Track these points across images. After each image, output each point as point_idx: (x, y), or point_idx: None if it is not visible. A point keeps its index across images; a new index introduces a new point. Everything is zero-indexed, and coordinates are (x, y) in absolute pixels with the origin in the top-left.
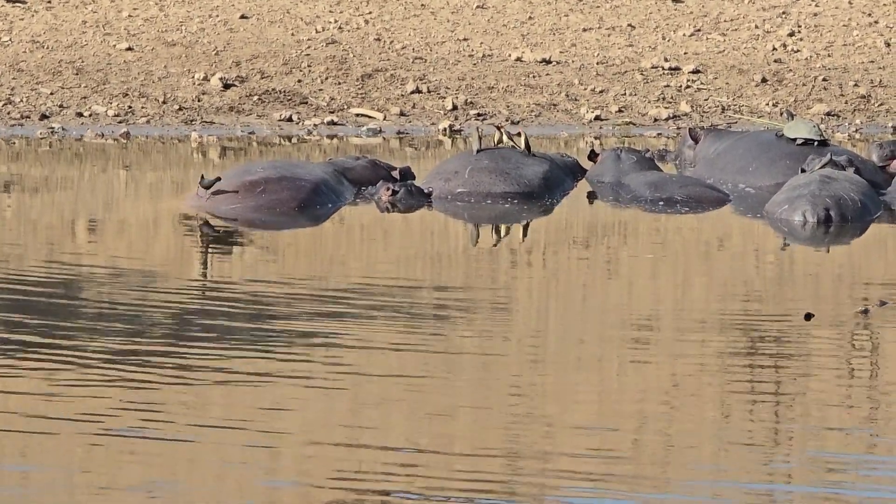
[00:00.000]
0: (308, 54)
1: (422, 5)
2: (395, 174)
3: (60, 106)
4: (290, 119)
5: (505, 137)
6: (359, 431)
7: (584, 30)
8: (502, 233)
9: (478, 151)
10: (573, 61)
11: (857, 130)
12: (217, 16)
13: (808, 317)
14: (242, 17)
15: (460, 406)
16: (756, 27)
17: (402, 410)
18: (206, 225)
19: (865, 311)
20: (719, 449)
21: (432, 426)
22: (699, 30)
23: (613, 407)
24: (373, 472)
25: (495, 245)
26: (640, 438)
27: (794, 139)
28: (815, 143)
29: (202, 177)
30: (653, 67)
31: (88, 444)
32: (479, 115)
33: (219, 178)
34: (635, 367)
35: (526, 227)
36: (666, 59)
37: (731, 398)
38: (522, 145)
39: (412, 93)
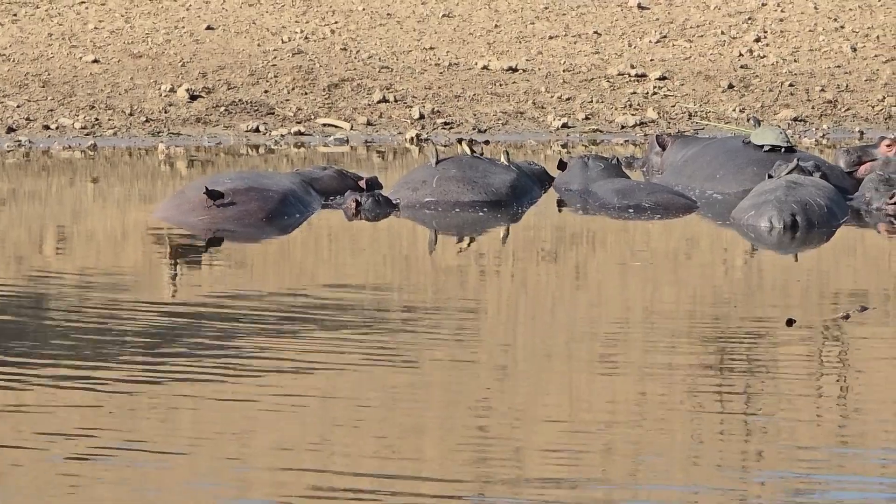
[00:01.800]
0: (274, 65)
1: (388, 14)
2: (362, 184)
3: (27, 119)
4: (257, 130)
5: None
6: (328, 453)
7: (551, 37)
8: (471, 242)
9: (437, 163)
10: (540, 69)
11: (823, 136)
12: (183, 27)
13: (790, 322)
14: (208, 28)
15: (429, 426)
16: (722, 33)
17: (372, 430)
18: (174, 237)
19: (846, 317)
20: (690, 465)
21: (402, 446)
22: (665, 36)
23: (583, 422)
24: (343, 493)
25: (461, 252)
26: (611, 454)
27: (761, 146)
28: (782, 150)
29: (206, 188)
30: (619, 74)
31: (56, 467)
32: (445, 123)
33: (223, 194)
34: (605, 379)
35: (494, 236)
36: (632, 66)
37: (703, 414)
38: (503, 159)
39: (379, 102)
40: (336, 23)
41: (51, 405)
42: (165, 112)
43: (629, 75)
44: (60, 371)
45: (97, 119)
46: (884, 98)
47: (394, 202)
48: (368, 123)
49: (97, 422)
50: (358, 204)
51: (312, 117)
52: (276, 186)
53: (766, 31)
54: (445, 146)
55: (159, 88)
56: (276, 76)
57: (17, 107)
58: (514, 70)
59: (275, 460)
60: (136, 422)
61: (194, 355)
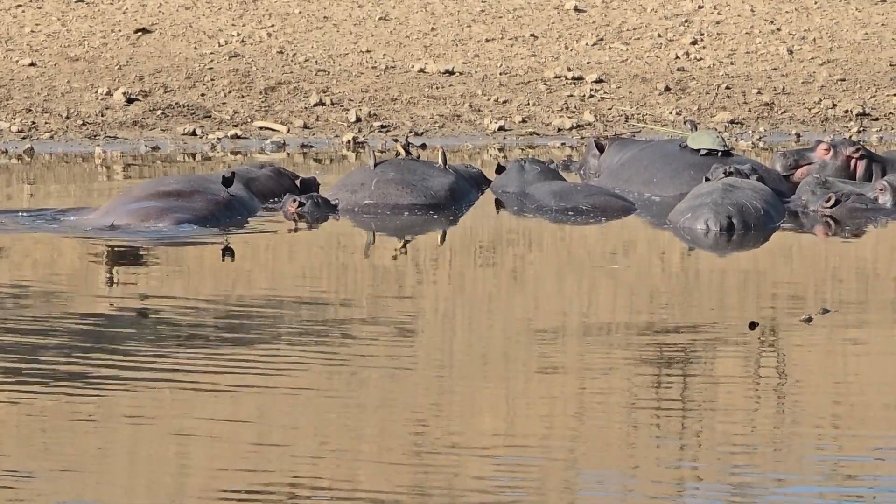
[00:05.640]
0: (211, 68)
1: (324, 17)
2: (298, 182)
3: None
4: (193, 133)
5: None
6: (265, 473)
7: (487, 40)
8: (409, 244)
9: (375, 166)
10: (476, 72)
11: (760, 138)
12: (120, 30)
13: (753, 325)
14: (145, 31)
15: (366, 442)
16: (658, 36)
17: (308, 446)
18: (113, 241)
19: (809, 320)
20: (625, 489)
21: (338, 463)
22: (602, 39)
23: (519, 440)
24: None
25: (396, 258)
26: (547, 468)
27: (698, 149)
28: (719, 154)
29: (223, 176)
30: (556, 77)
31: None
32: (382, 126)
33: (234, 174)
34: (542, 398)
35: (433, 238)
36: (569, 69)
37: (640, 432)
38: (440, 160)
39: (315, 105)
40: (272, 26)
41: None
42: (102, 115)
43: (566, 78)
44: None
45: (34, 122)
46: (820, 101)
47: (333, 204)
48: (305, 127)
49: (23, 442)
50: (299, 206)
51: (249, 120)
52: (221, 190)
53: (702, 34)
54: (382, 152)
55: (96, 92)
56: (212, 79)
57: None
58: (451, 73)
59: (209, 484)
60: (67, 444)
61: (126, 373)
